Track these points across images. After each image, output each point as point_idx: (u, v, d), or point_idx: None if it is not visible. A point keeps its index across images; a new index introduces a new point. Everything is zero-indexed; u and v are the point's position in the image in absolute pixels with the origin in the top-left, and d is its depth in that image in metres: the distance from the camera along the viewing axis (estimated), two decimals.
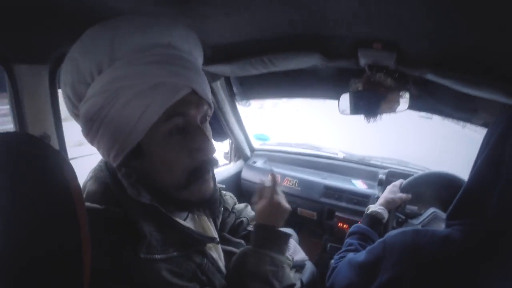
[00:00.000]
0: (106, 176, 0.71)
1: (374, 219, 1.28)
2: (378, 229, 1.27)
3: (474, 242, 0.77)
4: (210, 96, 0.70)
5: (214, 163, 0.72)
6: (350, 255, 1.06)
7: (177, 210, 0.75)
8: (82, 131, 0.66)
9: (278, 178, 1.95)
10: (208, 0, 0.73)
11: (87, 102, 0.61)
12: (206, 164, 0.69)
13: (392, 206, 1.35)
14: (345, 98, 1.27)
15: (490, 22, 0.70)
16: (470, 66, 0.96)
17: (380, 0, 0.70)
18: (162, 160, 0.66)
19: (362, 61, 1.12)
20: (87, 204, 0.65)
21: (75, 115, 0.67)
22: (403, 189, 1.42)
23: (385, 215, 1.30)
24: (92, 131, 0.64)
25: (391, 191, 1.41)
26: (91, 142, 0.67)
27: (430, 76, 1.06)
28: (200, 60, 0.73)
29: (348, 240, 1.23)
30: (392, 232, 0.93)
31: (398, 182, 1.46)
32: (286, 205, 0.91)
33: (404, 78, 1.23)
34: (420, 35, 0.91)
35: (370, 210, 1.32)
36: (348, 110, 1.28)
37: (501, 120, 0.79)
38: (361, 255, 0.98)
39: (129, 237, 0.62)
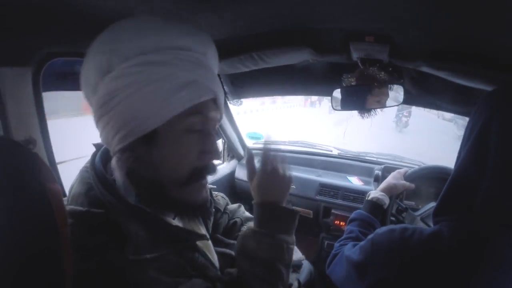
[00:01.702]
0: (90, 176, 0.68)
1: (375, 205, 1.25)
2: (379, 215, 1.25)
3: (462, 239, 0.74)
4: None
5: (214, 169, 0.72)
6: (348, 247, 1.03)
7: (165, 210, 0.72)
8: (96, 103, 0.62)
9: None
10: None
11: (114, 78, 0.59)
12: (208, 168, 0.69)
13: (394, 192, 1.32)
14: (338, 93, 1.25)
15: (483, 12, 0.69)
16: (464, 57, 0.94)
17: None
18: (172, 153, 0.65)
19: (355, 55, 1.10)
20: (71, 207, 0.63)
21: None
22: (407, 178, 1.38)
23: (386, 201, 1.27)
24: (107, 105, 0.60)
25: (395, 177, 1.37)
26: (97, 120, 0.64)
27: (425, 69, 1.05)
28: (216, 67, 0.74)
29: (348, 227, 1.20)
30: (380, 230, 0.91)
31: (403, 170, 1.42)
32: (286, 173, 0.80)
33: (398, 72, 1.21)
34: (414, 27, 0.89)
35: (370, 196, 1.29)
36: (341, 105, 1.25)
37: (483, 110, 0.75)
38: (355, 253, 0.96)
39: (113, 239, 0.59)
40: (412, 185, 1.34)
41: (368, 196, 1.30)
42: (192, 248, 0.72)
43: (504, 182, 0.69)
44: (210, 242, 0.85)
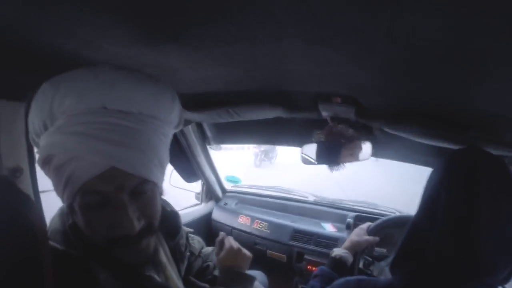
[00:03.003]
0: (65, 217, 0.71)
1: (338, 262, 1.28)
2: (342, 271, 1.26)
3: None
4: (149, 170, 0.64)
5: (137, 239, 0.66)
6: None
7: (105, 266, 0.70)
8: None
9: (248, 220, 1.97)
10: (175, 53, 0.75)
11: (38, 153, 0.64)
12: (127, 239, 0.64)
13: (358, 248, 1.36)
14: (308, 148, 1.31)
15: (443, 80, 0.74)
16: (424, 119, 1.01)
17: (334, 62, 0.72)
18: (83, 225, 0.64)
19: (323, 114, 1.16)
20: (50, 243, 0.65)
21: None
22: (370, 232, 1.44)
23: (349, 258, 1.30)
24: (46, 175, 0.66)
25: (357, 234, 1.42)
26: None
27: (387, 129, 1.11)
28: (160, 114, 0.66)
29: (311, 283, 1.22)
30: (338, 281, 0.93)
31: (365, 225, 1.48)
32: (246, 251, 1.05)
33: (367, 128, 1.28)
34: (376, 92, 0.95)
35: (334, 254, 1.32)
36: (310, 160, 1.31)
37: (437, 169, 0.80)
38: None
39: (85, 282, 0.61)
40: (376, 239, 1.40)
41: (332, 253, 1.34)
42: None
43: (450, 239, 0.73)
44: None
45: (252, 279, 0.98)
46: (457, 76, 0.70)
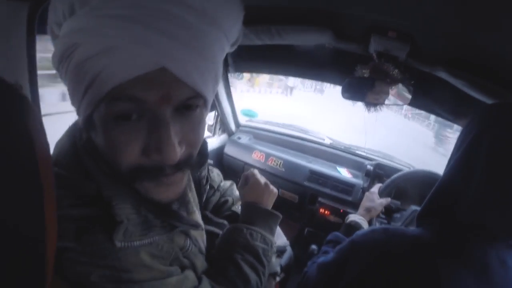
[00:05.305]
0: (77, 138, 0.58)
1: (353, 229, 1.26)
2: None
3: (442, 244, 0.76)
4: (205, 82, 0.50)
5: (173, 170, 0.54)
6: (321, 259, 1.03)
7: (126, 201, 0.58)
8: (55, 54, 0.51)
9: (263, 156, 1.92)
10: None
11: (56, 45, 0.49)
12: (158, 169, 0.52)
13: (374, 214, 1.36)
14: (349, 83, 1.21)
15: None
16: (484, 71, 0.94)
17: None
18: (104, 144, 0.51)
19: (373, 47, 1.07)
20: (56, 169, 0.54)
21: None
22: (382, 193, 1.43)
23: (365, 225, 1.29)
24: (62, 77, 0.52)
25: (370, 199, 1.40)
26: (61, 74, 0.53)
27: (442, 74, 1.04)
28: (224, 21, 0.50)
29: (324, 248, 1.21)
30: (360, 231, 0.90)
31: (375, 188, 1.47)
32: (273, 187, 0.96)
33: (410, 72, 1.19)
34: (440, 34, 0.88)
35: (349, 220, 1.30)
36: (351, 95, 1.22)
37: (475, 123, 0.77)
38: (329, 256, 0.96)
39: (102, 219, 0.52)
40: (389, 199, 1.40)
41: (347, 220, 1.32)
42: (184, 233, 0.68)
43: (487, 195, 0.71)
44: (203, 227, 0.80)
45: (277, 217, 0.90)
46: None
